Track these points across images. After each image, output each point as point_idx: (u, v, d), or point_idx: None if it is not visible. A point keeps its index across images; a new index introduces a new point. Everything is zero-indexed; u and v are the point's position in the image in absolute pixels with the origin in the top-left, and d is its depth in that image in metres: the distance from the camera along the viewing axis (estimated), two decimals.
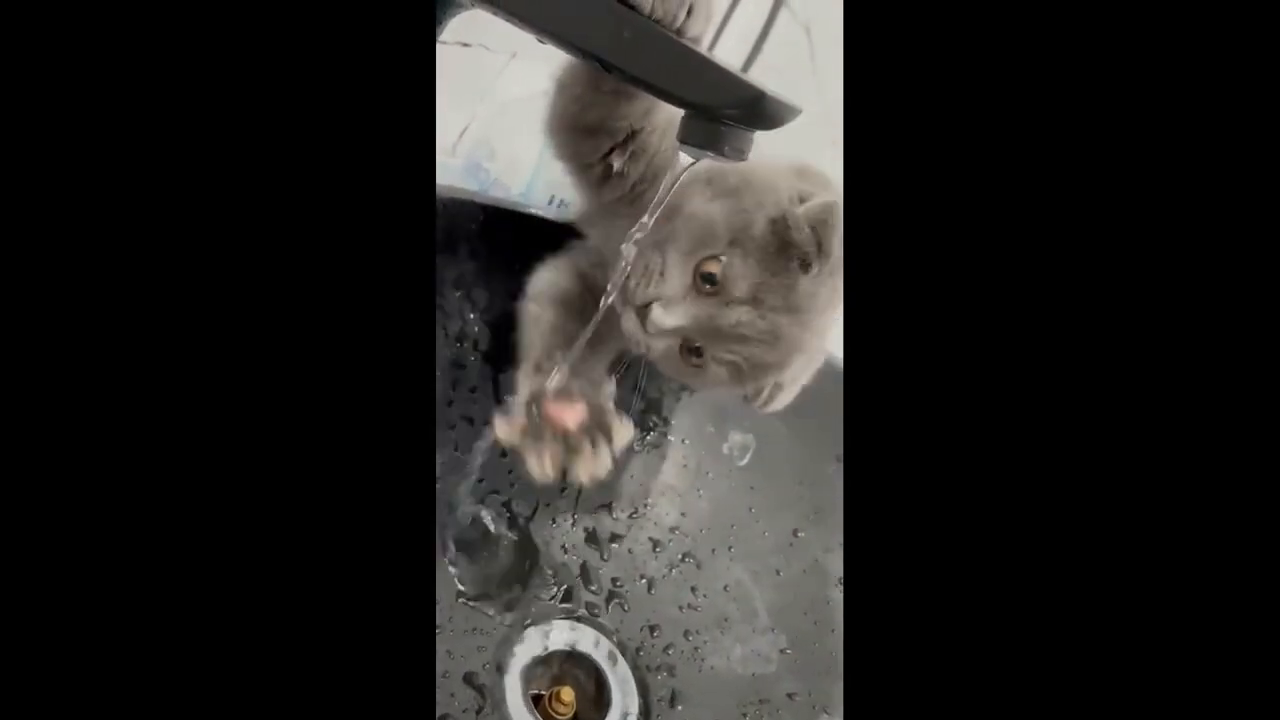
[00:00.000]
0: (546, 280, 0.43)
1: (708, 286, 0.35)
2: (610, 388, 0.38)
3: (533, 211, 0.50)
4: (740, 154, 0.31)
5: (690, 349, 0.37)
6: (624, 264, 0.34)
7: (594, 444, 0.35)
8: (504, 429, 0.35)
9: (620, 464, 0.36)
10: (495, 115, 0.57)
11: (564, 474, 0.35)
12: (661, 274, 0.36)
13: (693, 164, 0.33)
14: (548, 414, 0.35)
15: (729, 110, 0.29)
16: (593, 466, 0.34)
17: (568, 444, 0.34)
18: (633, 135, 0.38)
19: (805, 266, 0.35)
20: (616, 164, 0.38)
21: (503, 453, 0.39)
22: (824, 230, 0.34)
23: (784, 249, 0.35)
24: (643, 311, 0.36)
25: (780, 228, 0.35)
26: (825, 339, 0.38)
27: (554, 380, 0.36)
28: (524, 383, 0.38)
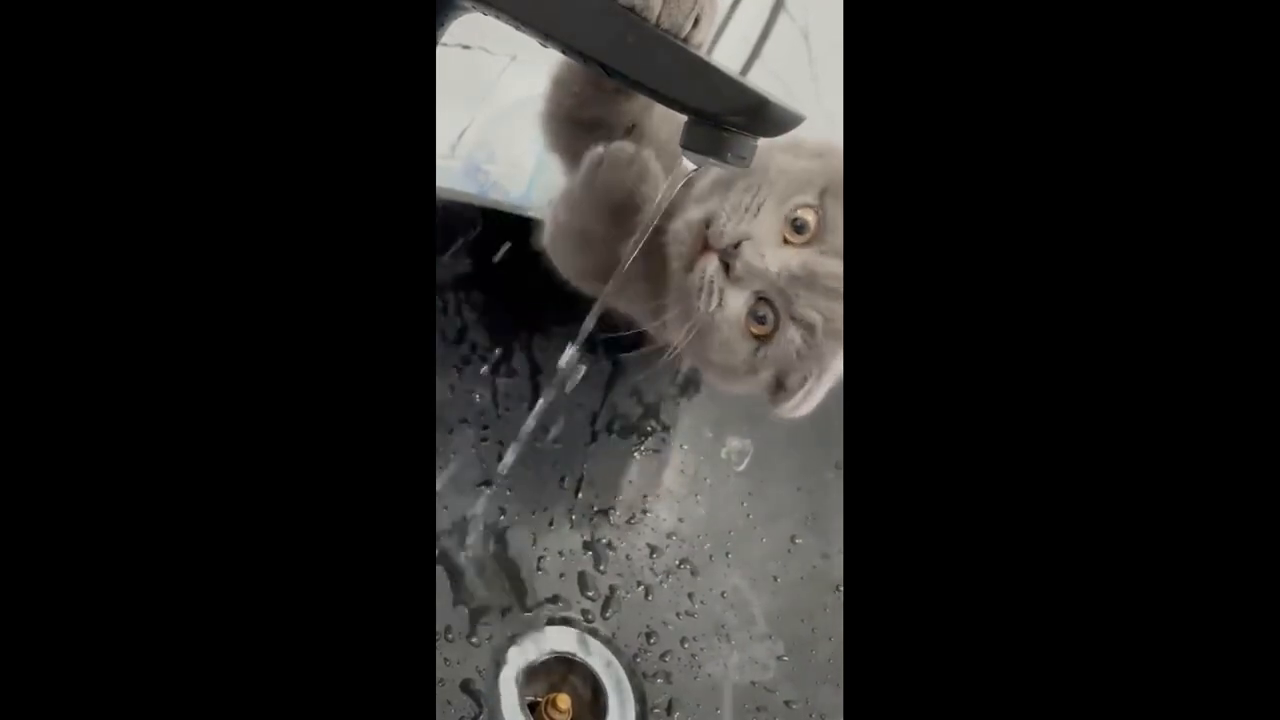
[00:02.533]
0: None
1: (798, 236, 0.34)
2: None
3: (532, 215, 0.50)
4: (743, 160, 0.31)
5: (757, 314, 0.34)
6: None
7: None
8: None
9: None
10: (495, 118, 0.56)
11: None
12: (756, 213, 0.34)
13: (695, 170, 0.33)
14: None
15: (732, 117, 0.29)
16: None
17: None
18: (631, 129, 0.38)
19: None
20: None
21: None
22: None
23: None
24: (730, 253, 0.34)
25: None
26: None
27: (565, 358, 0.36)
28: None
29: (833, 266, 0.34)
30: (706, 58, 0.29)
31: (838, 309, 0.34)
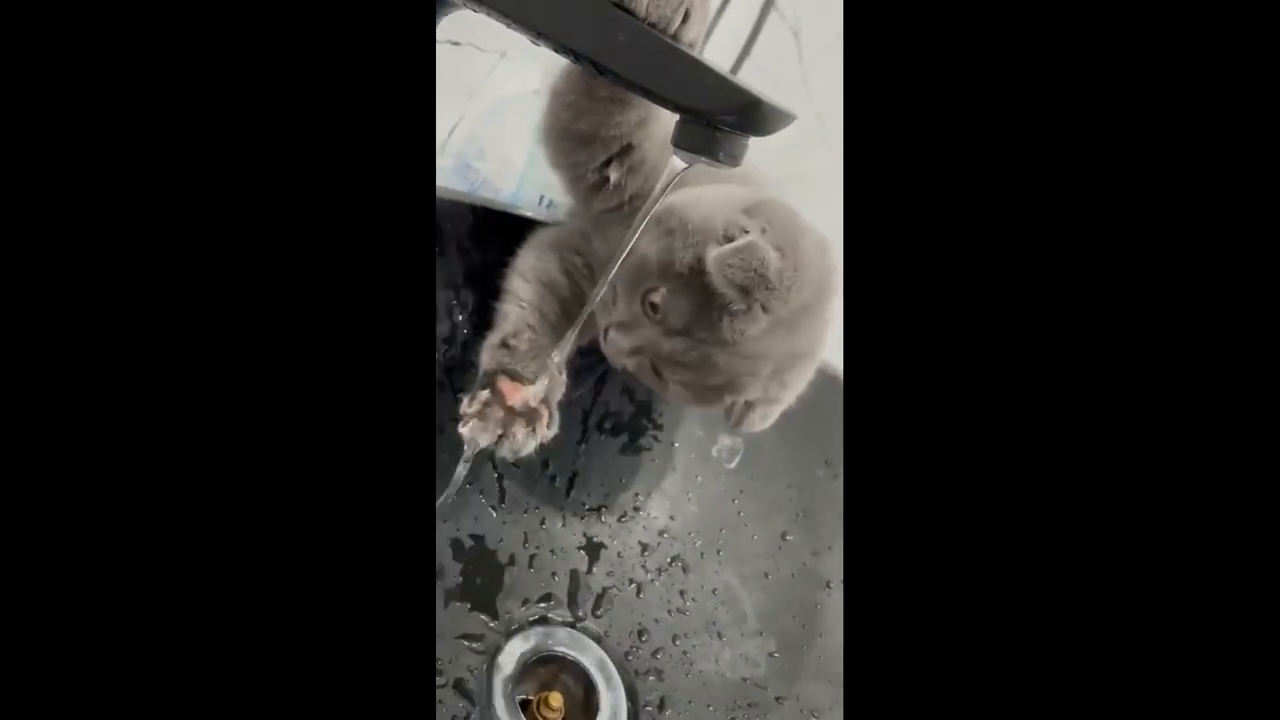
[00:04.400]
0: (532, 261, 0.44)
1: (654, 314, 0.38)
2: (562, 379, 0.40)
3: (523, 213, 0.50)
4: (734, 160, 0.31)
5: (654, 368, 0.39)
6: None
7: (521, 429, 0.38)
8: (465, 405, 0.38)
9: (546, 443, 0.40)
10: (485, 115, 0.56)
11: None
12: (614, 303, 0.39)
13: (686, 169, 0.33)
14: (498, 388, 0.38)
15: (724, 116, 0.29)
16: (514, 446, 0.38)
17: (504, 419, 0.38)
18: (629, 149, 0.38)
19: (730, 312, 0.35)
20: (614, 176, 0.39)
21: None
22: (740, 276, 0.34)
23: (709, 290, 0.35)
24: (605, 334, 0.39)
25: (697, 271, 0.36)
26: (785, 366, 0.38)
27: (541, 381, 0.39)
28: (486, 354, 0.41)
29: (672, 344, 0.37)
30: (698, 56, 0.29)
31: (689, 375, 0.38)
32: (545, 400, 0.39)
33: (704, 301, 0.36)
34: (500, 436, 0.38)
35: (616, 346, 0.39)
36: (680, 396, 0.40)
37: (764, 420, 0.40)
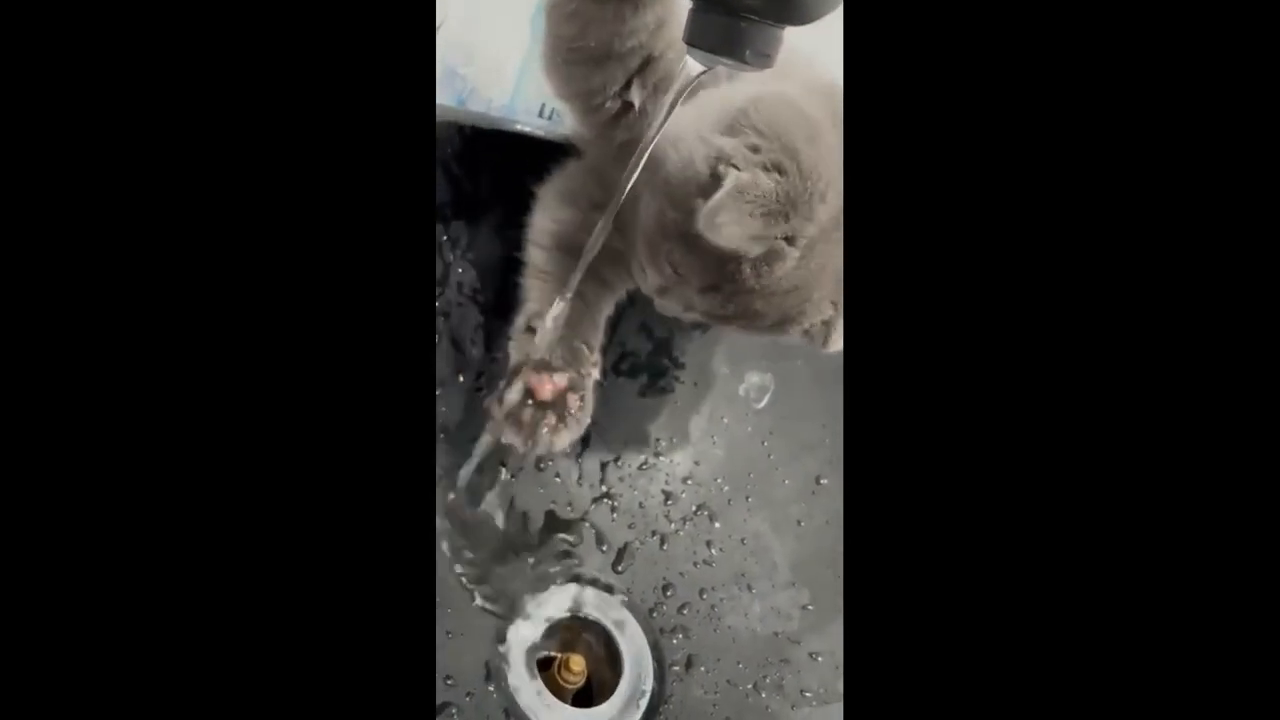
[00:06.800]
0: (547, 225, 0.40)
1: (678, 274, 0.35)
2: (596, 357, 0.38)
3: (520, 128, 0.44)
4: (765, 59, 0.25)
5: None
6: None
7: (552, 424, 0.37)
8: (495, 410, 0.37)
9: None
10: (471, 11, 0.49)
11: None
12: (643, 270, 0.36)
13: (703, 73, 0.27)
14: (528, 383, 0.37)
15: (751, 1, 0.23)
16: (547, 443, 0.37)
17: (535, 414, 0.37)
18: (649, 62, 0.32)
19: (748, 260, 0.31)
20: (637, 99, 0.33)
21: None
22: (738, 232, 0.29)
23: (718, 250, 0.30)
24: (655, 302, 0.37)
25: (695, 233, 0.30)
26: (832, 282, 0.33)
27: (552, 314, 0.36)
28: (514, 345, 0.39)
29: (707, 304, 0.34)
30: None
31: (740, 320, 0.34)
32: (574, 386, 0.37)
33: (718, 255, 0.31)
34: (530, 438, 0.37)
35: (669, 311, 0.37)
36: (755, 333, 0.36)
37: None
